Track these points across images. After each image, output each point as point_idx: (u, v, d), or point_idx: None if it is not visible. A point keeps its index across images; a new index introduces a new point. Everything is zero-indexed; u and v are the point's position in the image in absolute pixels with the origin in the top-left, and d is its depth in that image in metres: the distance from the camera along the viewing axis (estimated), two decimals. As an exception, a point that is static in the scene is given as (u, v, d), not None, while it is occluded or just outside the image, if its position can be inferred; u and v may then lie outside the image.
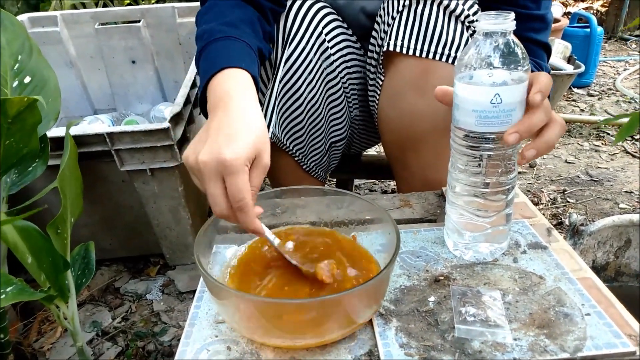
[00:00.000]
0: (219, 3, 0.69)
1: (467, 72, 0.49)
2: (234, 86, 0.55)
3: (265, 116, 0.76)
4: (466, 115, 0.50)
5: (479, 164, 0.51)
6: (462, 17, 0.68)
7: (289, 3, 0.74)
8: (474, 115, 0.49)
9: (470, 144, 0.51)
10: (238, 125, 0.50)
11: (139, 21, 1.32)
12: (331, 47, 0.77)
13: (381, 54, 0.72)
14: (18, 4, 1.50)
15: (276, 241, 0.53)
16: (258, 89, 0.59)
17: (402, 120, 0.74)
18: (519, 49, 0.49)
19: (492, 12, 0.48)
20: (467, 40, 0.69)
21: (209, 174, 0.47)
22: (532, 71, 0.71)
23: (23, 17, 1.30)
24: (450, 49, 0.68)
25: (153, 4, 1.78)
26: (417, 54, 0.68)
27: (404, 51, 0.69)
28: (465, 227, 0.55)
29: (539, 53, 0.74)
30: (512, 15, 0.48)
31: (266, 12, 0.70)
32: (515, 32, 0.70)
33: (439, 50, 0.68)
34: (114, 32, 1.33)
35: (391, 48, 0.69)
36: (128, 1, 1.85)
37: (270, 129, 0.76)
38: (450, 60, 0.68)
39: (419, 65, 0.69)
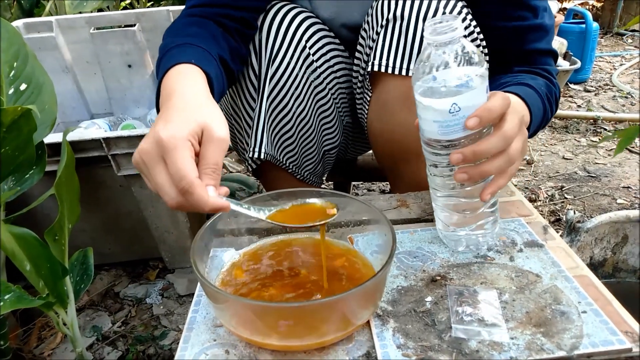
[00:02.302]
0: (180, 21, 0.67)
1: (423, 85, 0.49)
2: (181, 80, 0.53)
3: (256, 134, 0.76)
4: (429, 126, 0.50)
5: (452, 168, 0.52)
6: None
7: (271, 14, 0.72)
8: (436, 125, 0.49)
9: (439, 152, 0.51)
10: (176, 109, 0.47)
11: (134, 25, 1.32)
12: (317, 60, 0.76)
13: (367, 71, 0.71)
14: (12, 9, 1.50)
15: (256, 212, 0.48)
16: (214, 86, 0.56)
17: (392, 134, 0.74)
18: (472, 53, 0.48)
19: (438, 19, 0.47)
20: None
21: (150, 161, 0.44)
22: (550, 82, 0.70)
23: (18, 23, 1.30)
24: None
25: (148, 7, 1.78)
26: (403, 73, 0.67)
27: (389, 71, 0.68)
28: (455, 224, 0.56)
29: (545, 60, 0.73)
30: (458, 20, 0.47)
31: (231, 32, 0.69)
32: (519, 46, 0.70)
33: None
34: (109, 37, 1.33)
35: (376, 68, 0.68)
36: (123, 5, 1.85)
37: (263, 148, 0.76)
38: None
39: (405, 83, 0.68)
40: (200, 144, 0.45)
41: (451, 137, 0.49)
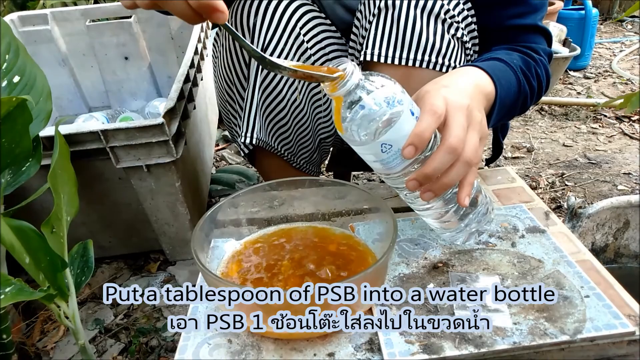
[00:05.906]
0: None
1: (349, 137, 0.48)
2: None
3: (248, 119, 0.76)
4: (373, 164, 0.50)
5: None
6: (442, 16, 0.65)
7: (264, 3, 0.71)
8: (378, 163, 0.49)
9: (395, 180, 0.51)
10: None
11: (130, 17, 1.30)
12: (311, 48, 0.75)
13: (360, 60, 0.70)
14: (4, 2, 1.48)
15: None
16: None
17: None
18: (380, 89, 0.45)
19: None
20: (449, 41, 0.66)
21: None
22: (530, 57, 0.67)
23: (13, 16, 1.29)
24: (430, 55, 0.65)
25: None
26: (396, 62, 0.66)
27: (382, 60, 0.66)
28: (448, 226, 0.55)
29: (529, 38, 0.69)
30: (350, 63, 0.45)
31: None
32: (499, 22, 0.68)
33: (418, 57, 0.65)
34: (105, 29, 1.32)
35: (368, 58, 0.67)
36: (118, -3, 1.84)
37: (255, 133, 0.76)
38: (430, 66, 0.66)
39: (398, 72, 0.66)
40: None
41: (398, 169, 0.48)
